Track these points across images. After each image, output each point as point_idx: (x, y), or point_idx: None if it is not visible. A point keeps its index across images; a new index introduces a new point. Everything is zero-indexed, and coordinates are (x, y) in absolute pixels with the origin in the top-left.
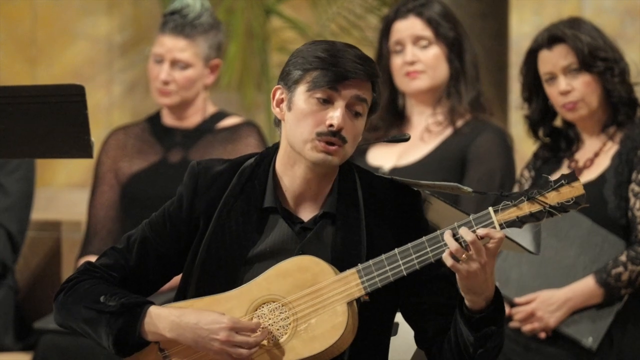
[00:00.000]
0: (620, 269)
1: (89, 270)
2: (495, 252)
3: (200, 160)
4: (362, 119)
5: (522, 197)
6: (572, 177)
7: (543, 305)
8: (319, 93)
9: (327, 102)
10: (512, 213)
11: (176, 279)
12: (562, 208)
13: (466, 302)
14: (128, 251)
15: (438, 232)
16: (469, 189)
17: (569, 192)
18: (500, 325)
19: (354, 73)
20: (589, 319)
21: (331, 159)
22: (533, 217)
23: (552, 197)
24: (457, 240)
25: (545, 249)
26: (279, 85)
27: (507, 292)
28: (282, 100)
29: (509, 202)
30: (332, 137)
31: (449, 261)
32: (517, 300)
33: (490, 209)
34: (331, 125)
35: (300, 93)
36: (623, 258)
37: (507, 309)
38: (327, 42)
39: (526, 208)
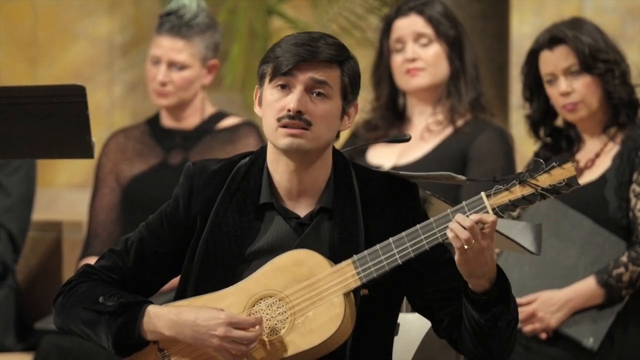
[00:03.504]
0: (621, 269)
1: (88, 272)
2: (491, 235)
3: (196, 161)
4: (330, 101)
5: (514, 181)
6: (563, 159)
7: (544, 306)
8: (278, 81)
9: (285, 87)
10: (504, 197)
11: (177, 280)
12: (554, 190)
13: (470, 285)
14: (126, 253)
15: (432, 219)
16: (463, 177)
17: (560, 174)
18: (507, 304)
19: (310, 55)
20: (590, 320)
21: (298, 142)
22: (525, 200)
23: (544, 180)
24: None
25: (546, 249)
26: (257, 86)
27: None
28: (260, 100)
29: (501, 187)
30: (291, 120)
31: (457, 243)
32: (518, 300)
33: (483, 193)
34: (289, 110)
35: (267, 87)
36: (624, 259)
37: None
38: (293, 34)
39: (518, 191)
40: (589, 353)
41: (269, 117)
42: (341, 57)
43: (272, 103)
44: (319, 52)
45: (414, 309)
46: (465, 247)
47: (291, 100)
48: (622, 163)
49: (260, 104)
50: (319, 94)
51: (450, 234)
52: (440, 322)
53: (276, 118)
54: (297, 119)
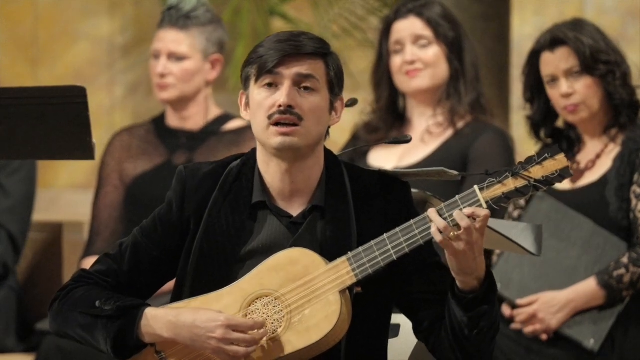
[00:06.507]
0: (622, 270)
1: (83, 277)
2: (483, 230)
3: (187, 164)
4: (318, 94)
5: (507, 174)
6: (555, 151)
7: (545, 307)
8: (264, 79)
9: (272, 85)
10: (497, 190)
11: (174, 282)
12: (546, 182)
13: (457, 283)
14: (121, 257)
15: (426, 213)
16: (455, 172)
17: (553, 166)
18: (492, 305)
19: (294, 49)
20: (591, 321)
21: (290, 139)
22: (518, 193)
23: (537, 172)
24: (443, 218)
25: (546, 250)
26: (242, 90)
27: (509, 294)
28: (247, 104)
29: (494, 180)
30: (283, 115)
31: (438, 237)
32: (519, 301)
33: (476, 187)
34: (280, 106)
35: (253, 88)
36: (625, 260)
37: (508, 311)
38: (274, 34)
39: (511, 184)
40: (589, 354)
41: (259, 117)
42: (324, 50)
43: (261, 102)
44: (302, 45)
45: (398, 306)
46: (447, 237)
47: (281, 96)
48: (623, 164)
49: (247, 108)
50: (306, 88)
51: (432, 228)
52: (421, 324)
53: (267, 116)
54: (288, 114)
